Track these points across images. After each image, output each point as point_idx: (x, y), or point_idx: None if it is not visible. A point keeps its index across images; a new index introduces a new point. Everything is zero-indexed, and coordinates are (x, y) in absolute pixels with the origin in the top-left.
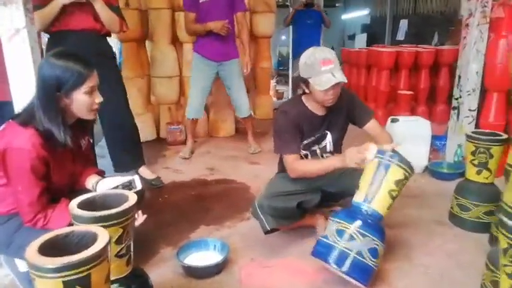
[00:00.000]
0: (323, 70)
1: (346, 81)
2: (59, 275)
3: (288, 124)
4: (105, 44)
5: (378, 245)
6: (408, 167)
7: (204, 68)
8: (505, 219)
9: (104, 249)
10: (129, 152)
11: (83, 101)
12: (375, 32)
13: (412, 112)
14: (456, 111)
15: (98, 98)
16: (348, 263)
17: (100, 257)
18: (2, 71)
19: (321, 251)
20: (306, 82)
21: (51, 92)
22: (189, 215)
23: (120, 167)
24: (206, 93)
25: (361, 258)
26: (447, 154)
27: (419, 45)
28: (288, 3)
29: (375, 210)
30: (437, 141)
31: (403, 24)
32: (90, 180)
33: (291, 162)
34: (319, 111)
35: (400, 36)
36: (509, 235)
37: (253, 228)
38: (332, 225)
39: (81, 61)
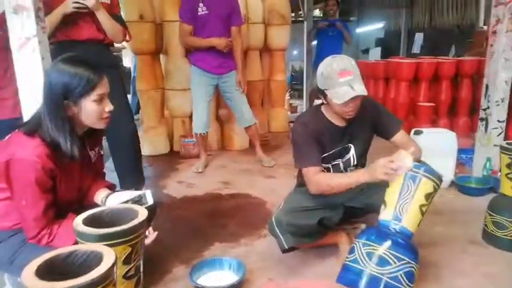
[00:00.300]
0: (341, 82)
1: (366, 93)
2: None
3: (307, 136)
4: (108, 54)
5: (412, 266)
6: (437, 178)
7: (205, 80)
8: None
9: (109, 272)
10: (130, 168)
11: (92, 109)
12: (389, 46)
13: (433, 125)
14: (484, 122)
15: (108, 107)
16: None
17: (104, 281)
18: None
19: (349, 277)
20: (323, 94)
21: (59, 99)
22: (202, 232)
23: (121, 184)
24: (209, 106)
25: (395, 283)
26: (474, 168)
27: (438, 57)
28: (302, 19)
29: (404, 227)
30: (463, 155)
31: (419, 37)
32: (100, 195)
33: (312, 175)
34: (340, 123)
35: (416, 49)
36: None
37: (271, 246)
38: (359, 247)
39: (91, 67)
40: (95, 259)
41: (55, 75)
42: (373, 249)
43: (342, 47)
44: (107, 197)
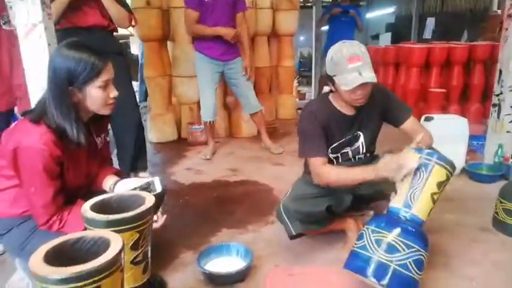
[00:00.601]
0: (349, 68)
1: (375, 80)
2: (65, 286)
3: (315, 125)
4: (113, 41)
5: (422, 254)
6: (451, 166)
7: (210, 67)
8: None
9: (117, 258)
10: (134, 156)
11: (97, 95)
12: (399, 31)
13: (444, 111)
14: (497, 108)
15: (113, 92)
16: (389, 275)
17: (112, 266)
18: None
19: (357, 264)
20: (332, 80)
21: (63, 86)
22: (210, 218)
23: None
24: (216, 93)
25: (404, 270)
26: (486, 155)
27: (449, 42)
28: (310, 4)
29: (415, 215)
30: (474, 141)
31: (430, 22)
32: (108, 182)
33: (317, 166)
34: (349, 111)
35: (427, 35)
36: None
37: (278, 232)
38: (368, 233)
39: (95, 53)
40: (103, 245)
41: (59, 61)
42: (383, 236)
43: (353, 34)
44: (115, 184)
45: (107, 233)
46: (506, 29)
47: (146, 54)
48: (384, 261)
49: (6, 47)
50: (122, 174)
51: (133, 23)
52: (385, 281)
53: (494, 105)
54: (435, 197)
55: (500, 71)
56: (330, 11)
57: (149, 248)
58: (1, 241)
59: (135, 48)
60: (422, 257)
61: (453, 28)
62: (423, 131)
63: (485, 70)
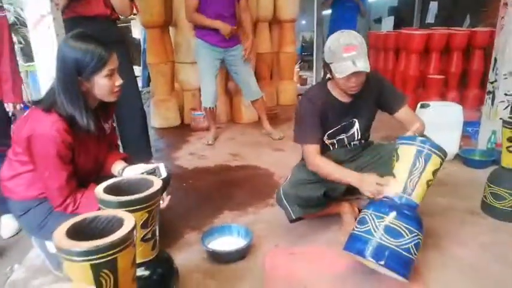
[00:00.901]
0: (344, 57)
1: (367, 70)
2: (86, 258)
3: (312, 112)
4: (116, 30)
5: (420, 238)
6: (444, 154)
7: (211, 54)
8: None
9: (130, 234)
10: (138, 143)
11: (103, 84)
12: (402, 15)
13: (443, 97)
14: (491, 95)
15: (118, 81)
16: (386, 255)
17: (126, 241)
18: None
19: (356, 246)
20: (329, 67)
21: (72, 76)
22: (212, 201)
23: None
24: (216, 80)
25: (400, 250)
26: (480, 141)
27: (450, 28)
28: None
29: (413, 200)
30: (469, 128)
31: (433, 6)
32: (116, 167)
33: (310, 154)
34: (345, 98)
35: (430, 19)
36: None
37: (277, 214)
38: (365, 217)
39: (101, 44)
40: (117, 223)
41: (67, 52)
42: (380, 218)
43: (356, 19)
44: (123, 169)
45: (120, 213)
46: (503, 17)
47: (148, 40)
48: (381, 241)
49: None
50: (129, 160)
51: (134, 11)
52: (383, 261)
53: (489, 92)
54: (430, 183)
55: (495, 59)
56: None
57: (157, 227)
58: (19, 221)
59: (137, 33)
60: (420, 240)
61: (456, 13)
62: (416, 120)
63: (484, 56)
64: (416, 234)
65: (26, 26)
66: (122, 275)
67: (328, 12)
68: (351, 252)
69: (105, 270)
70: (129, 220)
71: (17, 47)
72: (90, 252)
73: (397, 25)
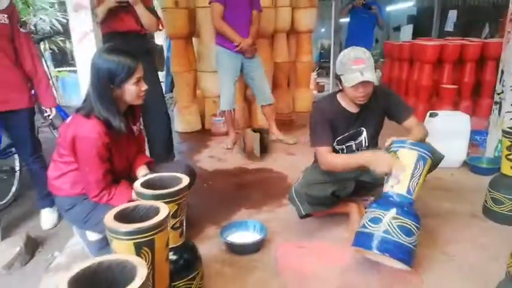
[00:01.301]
0: (353, 68)
1: (374, 81)
2: (131, 237)
3: (321, 120)
4: (145, 43)
5: (414, 227)
6: (438, 159)
7: (231, 60)
8: None
9: (165, 220)
10: (162, 146)
11: (132, 90)
12: (421, 23)
13: (456, 107)
14: (498, 106)
15: (144, 86)
16: (390, 247)
17: (162, 225)
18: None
19: (363, 241)
20: (339, 79)
21: (106, 84)
22: (231, 200)
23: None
24: (235, 86)
25: (402, 242)
26: (487, 149)
27: (465, 38)
28: None
29: (413, 199)
30: (477, 136)
31: (452, 15)
32: (140, 172)
33: (322, 153)
34: (353, 109)
35: (449, 27)
36: None
37: (290, 213)
38: (369, 215)
39: (129, 55)
40: (153, 211)
41: (101, 64)
42: (381, 215)
43: (373, 30)
44: (144, 175)
45: (157, 203)
46: (509, 31)
47: (173, 50)
48: (384, 235)
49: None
50: (152, 164)
51: (160, 27)
52: (388, 252)
53: (496, 103)
54: (423, 183)
55: (502, 71)
56: (353, 1)
57: (184, 218)
58: (65, 215)
59: (160, 40)
60: (413, 229)
61: (475, 22)
62: (419, 126)
63: (497, 67)
64: (418, 227)
65: (59, 35)
66: (157, 253)
67: (346, 20)
68: (358, 247)
69: (145, 248)
70: (164, 209)
71: (47, 53)
72: (133, 232)
73: (415, 33)
